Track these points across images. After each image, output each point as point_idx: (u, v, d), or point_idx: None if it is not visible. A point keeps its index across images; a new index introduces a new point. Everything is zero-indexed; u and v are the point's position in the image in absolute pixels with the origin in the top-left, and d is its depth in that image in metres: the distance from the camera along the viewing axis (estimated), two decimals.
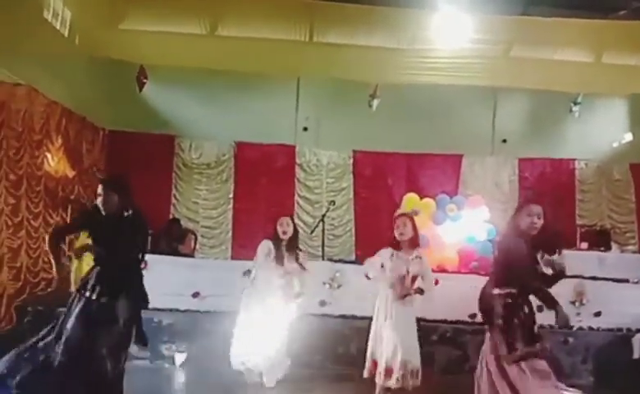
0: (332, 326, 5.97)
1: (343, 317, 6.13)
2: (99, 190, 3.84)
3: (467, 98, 9.19)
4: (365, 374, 4.74)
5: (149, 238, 4.29)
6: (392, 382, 4.53)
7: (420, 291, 4.66)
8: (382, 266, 4.75)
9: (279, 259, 5.08)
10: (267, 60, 8.77)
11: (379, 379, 4.61)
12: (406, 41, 7.98)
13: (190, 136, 9.69)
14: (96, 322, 3.66)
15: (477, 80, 8.52)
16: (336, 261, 7.08)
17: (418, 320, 5.90)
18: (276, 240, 5.15)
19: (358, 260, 6.70)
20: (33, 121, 6.93)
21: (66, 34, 7.39)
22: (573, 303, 6.29)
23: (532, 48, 8.28)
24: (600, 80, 8.83)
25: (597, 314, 6.28)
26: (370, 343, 4.78)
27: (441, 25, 7.33)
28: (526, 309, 3.53)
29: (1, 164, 6.28)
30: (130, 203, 3.90)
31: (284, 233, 5.15)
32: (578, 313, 6.28)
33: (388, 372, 4.55)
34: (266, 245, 5.15)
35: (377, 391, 4.73)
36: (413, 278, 4.67)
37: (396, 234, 4.72)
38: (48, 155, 7.27)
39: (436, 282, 6.20)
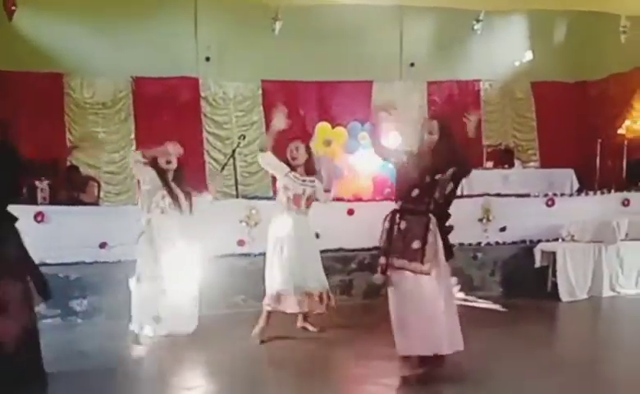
0: (253, 264, 5.83)
1: (263, 254, 6.00)
2: None
3: (373, 20, 9.04)
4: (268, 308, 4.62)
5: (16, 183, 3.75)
6: (293, 308, 4.55)
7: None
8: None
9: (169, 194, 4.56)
10: None
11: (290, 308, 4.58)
12: None
13: (81, 73, 8.84)
14: None
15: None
16: (250, 198, 6.87)
17: (338, 250, 6.03)
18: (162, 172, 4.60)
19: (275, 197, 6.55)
20: None
21: None
22: (480, 220, 6.58)
23: None
24: None
25: (503, 229, 6.61)
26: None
27: None
28: (403, 225, 3.65)
29: None
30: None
31: (167, 163, 4.60)
32: (485, 230, 6.59)
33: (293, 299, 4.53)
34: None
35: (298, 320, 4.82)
36: (309, 199, 4.69)
37: (289, 159, 4.68)
38: None
39: (352, 212, 6.32)
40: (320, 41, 8.99)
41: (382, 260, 3.72)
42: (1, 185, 3.49)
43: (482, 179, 7.44)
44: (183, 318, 4.56)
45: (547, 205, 6.72)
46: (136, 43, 8.58)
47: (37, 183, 7.21)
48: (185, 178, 4.72)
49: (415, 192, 3.65)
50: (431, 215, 3.59)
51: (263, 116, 9.39)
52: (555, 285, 6.04)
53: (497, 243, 6.59)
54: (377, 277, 3.74)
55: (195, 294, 4.67)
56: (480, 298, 6.08)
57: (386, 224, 3.75)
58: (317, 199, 4.76)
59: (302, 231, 4.62)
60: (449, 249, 3.70)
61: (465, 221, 6.59)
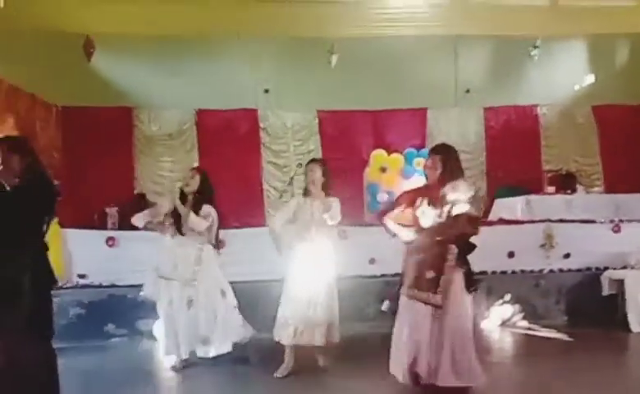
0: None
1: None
2: None
3: (427, 49, 9.07)
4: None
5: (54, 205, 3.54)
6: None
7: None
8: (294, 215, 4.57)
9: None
10: (220, 22, 8.44)
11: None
12: None
13: (148, 107, 9.34)
14: None
15: (435, 30, 8.41)
16: None
17: (395, 275, 6.02)
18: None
19: None
20: None
21: (2, 4, 6.94)
22: (542, 246, 6.41)
23: None
24: (557, 22, 8.83)
25: (567, 256, 6.42)
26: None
27: None
28: (421, 255, 3.60)
29: None
30: (31, 167, 3.35)
31: (186, 185, 4.75)
32: (548, 256, 6.41)
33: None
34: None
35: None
36: (319, 223, 4.45)
37: (307, 183, 4.58)
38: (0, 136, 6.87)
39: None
40: (375, 71, 9.11)
41: (397, 288, 3.70)
42: (29, 212, 3.25)
43: (543, 204, 7.28)
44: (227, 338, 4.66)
45: (614, 231, 6.50)
46: (200, 78, 8.97)
47: (107, 209, 7.67)
48: (201, 200, 4.72)
49: (429, 223, 3.63)
50: (451, 245, 3.51)
51: (320, 144, 9.58)
52: (624, 314, 5.78)
53: (561, 270, 6.40)
54: (386, 305, 3.87)
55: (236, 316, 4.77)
56: (544, 327, 5.89)
57: (406, 254, 3.74)
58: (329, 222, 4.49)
59: (311, 260, 4.43)
60: (470, 280, 3.59)
61: (526, 247, 6.48)
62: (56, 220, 4.39)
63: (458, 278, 3.53)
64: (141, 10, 8.39)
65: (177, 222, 4.70)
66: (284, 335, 4.39)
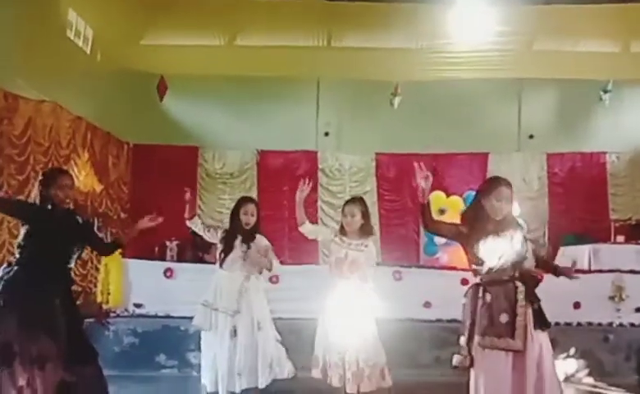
0: None
1: None
2: (61, 180, 3.63)
3: (491, 93, 9.04)
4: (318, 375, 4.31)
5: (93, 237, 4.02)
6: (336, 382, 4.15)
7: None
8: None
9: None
10: (286, 66, 8.80)
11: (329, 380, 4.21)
12: (425, 37, 7.89)
13: (213, 147, 9.73)
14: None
15: (500, 73, 8.39)
16: None
17: (451, 321, 5.82)
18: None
19: (383, 263, 6.58)
20: (59, 137, 7.05)
21: (89, 51, 7.55)
22: (612, 298, 6.07)
23: (556, 37, 8.10)
24: (628, 67, 8.58)
25: (638, 310, 6.03)
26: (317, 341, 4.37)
27: (460, 19, 7.20)
28: (488, 298, 3.29)
29: (29, 179, 6.36)
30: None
31: (246, 224, 4.73)
32: (618, 309, 6.06)
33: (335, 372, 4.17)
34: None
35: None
36: (352, 267, 4.24)
37: (344, 223, 4.36)
38: (76, 169, 7.38)
39: (466, 282, 6.11)
40: (437, 114, 9.13)
41: (462, 340, 3.34)
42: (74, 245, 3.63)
43: (612, 254, 6.92)
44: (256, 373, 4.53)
45: None
46: (263, 121, 9.31)
47: (167, 242, 7.94)
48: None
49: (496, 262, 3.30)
50: (518, 283, 3.28)
51: (376, 186, 9.61)
52: None
53: (632, 325, 6.00)
54: (458, 359, 3.34)
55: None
56: (612, 385, 5.50)
57: (468, 299, 3.40)
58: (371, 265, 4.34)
59: (344, 299, 4.24)
60: (541, 318, 3.30)
61: (593, 298, 6.16)
62: (119, 250, 4.59)
63: (530, 317, 3.27)
64: (212, 53, 8.93)
65: (226, 253, 4.71)
66: (314, 372, 4.28)
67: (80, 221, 3.73)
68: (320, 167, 9.80)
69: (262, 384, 4.53)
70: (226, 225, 4.97)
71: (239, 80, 9.20)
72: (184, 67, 8.97)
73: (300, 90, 9.58)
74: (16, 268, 3.46)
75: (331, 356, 4.21)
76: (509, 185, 3.47)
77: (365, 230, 4.35)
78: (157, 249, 7.79)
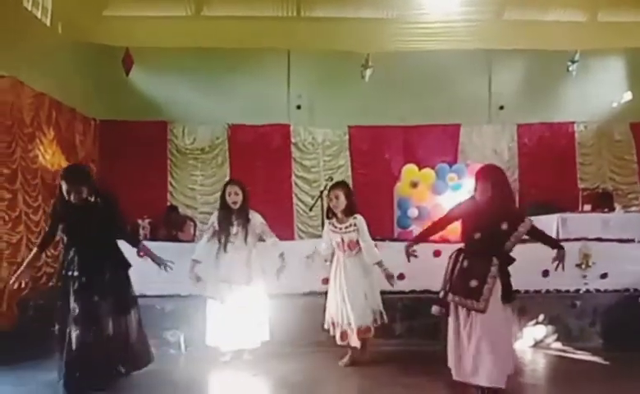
0: None
1: None
2: (65, 186, 4.20)
3: (461, 65, 9.05)
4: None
5: (121, 216, 4.60)
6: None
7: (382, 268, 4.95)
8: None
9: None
10: (255, 38, 8.63)
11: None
12: (396, 8, 7.82)
13: (183, 121, 9.55)
14: (81, 296, 4.17)
15: (470, 45, 8.40)
16: None
17: (423, 292, 5.92)
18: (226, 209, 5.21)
19: None
20: (22, 114, 6.79)
21: (48, 22, 7.25)
22: (579, 265, 6.21)
23: (525, 8, 8.13)
24: (596, 37, 8.70)
25: (604, 276, 6.19)
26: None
27: None
28: (465, 264, 3.92)
29: None
30: (95, 189, 4.33)
31: (234, 203, 5.16)
32: (585, 276, 6.20)
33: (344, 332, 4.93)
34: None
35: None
36: (350, 244, 4.96)
37: (331, 206, 5.01)
38: (42, 148, 7.15)
39: (439, 253, 6.21)
40: (408, 87, 9.13)
41: (442, 294, 4.02)
42: (107, 228, 4.36)
43: (579, 223, 7.08)
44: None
45: None
46: (233, 94, 9.17)
47: (139, 221, 7.81)
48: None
49: (477, 235, 3.92)
50: (494, 257, 3.83)
51: (350, 159, 9.60)
52: None
53: (598, 290, 6.16)
54: (435, 309, 4.05)
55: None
56: (579, 349, 5.68)
57: (450, 262, 4.04)
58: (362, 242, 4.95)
59: (349, 271, 4.96)
60: (509, 292, 3.88)
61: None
62: None
63: (497, 289, 3.82)
64: (179, 24, 8.70)
65: (225, 236, 5.14)
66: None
67: (104, 208, 4.34)
68: (293, 140, 9.73)
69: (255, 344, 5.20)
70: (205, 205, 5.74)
71: (207, 52, 9.00)
72: (150, 39, 8.72)
73: (271, 62, 9.43)
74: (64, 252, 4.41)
75: (333, 319, 4.99)
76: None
77: (350, 210, 4.96)
78: (129, 228, 7.66)
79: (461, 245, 4.10)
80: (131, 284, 4.63)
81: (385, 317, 5.08)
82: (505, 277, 3.87)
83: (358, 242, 4.96)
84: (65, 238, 4.38)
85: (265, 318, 5.28)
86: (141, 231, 7.58)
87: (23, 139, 6.77)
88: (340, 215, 4.98)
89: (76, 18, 7.80)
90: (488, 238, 3.87)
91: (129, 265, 4.58)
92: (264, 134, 9.58)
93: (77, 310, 4.18)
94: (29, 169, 6.86)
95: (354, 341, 4.92)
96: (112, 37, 8.58)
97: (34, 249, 4.52)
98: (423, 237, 4.52)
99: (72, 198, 4.22)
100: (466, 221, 4.07)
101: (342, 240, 4.97)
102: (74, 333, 4.14)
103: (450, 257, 4.07)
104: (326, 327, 5.10)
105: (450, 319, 4.02)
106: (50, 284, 6.74)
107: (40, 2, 6.98)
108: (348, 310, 4.90)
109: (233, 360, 5.19)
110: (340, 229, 4.98)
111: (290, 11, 8.76)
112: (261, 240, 5.30)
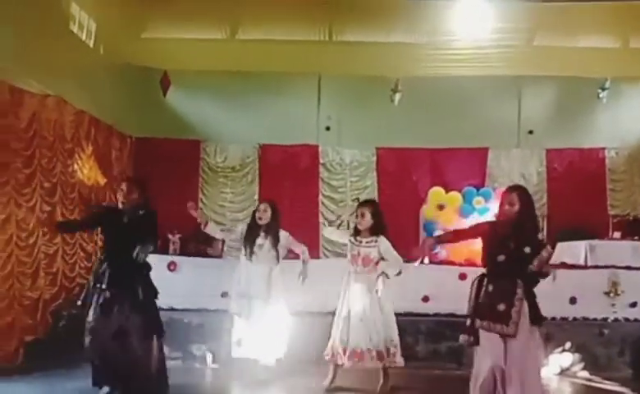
0: None
1: None
2: (123, 185, 4.37)
3: (491, 90, 9.07)
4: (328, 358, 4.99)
5: (156, 235, 4.69)
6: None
7: (385, 275, 4.85)
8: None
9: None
10: (288, 61, 8.84)
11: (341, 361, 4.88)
12: (426, 34, 7.92)
13: (215, 140, 9.78)
14: (108, 310, 4.22)
15: (500, 70, 8.42)
16: None
17: (448, 315, 5.92)
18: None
19: None
20: (63, 131, 7.08)
21: (92, 44, 7.59)
22: (607, 293, 6.17)
23: (556, 34, 8.13)
24: (627, 64, 8.62)
25: (633, 305, 6.13)
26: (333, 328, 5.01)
27: (461, 16, 7.25)
28: (490, 288, 3.80)
29: (35, 173, 6.43)
30: (146, 202, 4.44)
31: (259, 218, 5.34)
32: (613, 304, 6.15)
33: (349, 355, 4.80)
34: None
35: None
36: (365, 260, 4.89)
37: (356, 222, 5.02)
38: (80, 163, 7.43)
39: (464, 276, 6.22)
40: (437, 110, 9.17)
41: (468, 322, 3.86)
42: (143, 237, 4.35)
43: (608, 250, 7.01)
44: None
45: None
46: (264, 114, 9.37)
47: (170, 236, 8.02)
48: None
49: (501, 257, 3.80)
50: (519, 280, 3.72)
51: (376, 181, 9.69)
52: None
53: (627, 319, 6.10)
54: (463, 338, 3.88)
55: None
56: (606, 379, 5.61)
57: (474, 288, 3.93)
58: (383, 259, 4.91)
59: (358, 290, 4.88)
60: (537, 314, 3.75)
61: (589, 293, 6.25)
62: None
63: (525, 312, 3.71)
64: (214, 47, 8.97)
65: (251, 246, 5.29)
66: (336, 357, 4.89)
67: (140, 219, 4.40)
68: (321, 161, 9.85)
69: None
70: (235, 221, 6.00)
71: (240, 74, 9.24)
72: (185, 61, 9.01)
73: (302, 84, 9.62)
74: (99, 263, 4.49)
75: (335, 340, 4.88)
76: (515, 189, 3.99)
77: (376, 228, 4.93)
78: (159, 242, 7.88)
79: (483, 270, 4.01)
80: (158, 310, 4.59)
81: (398, 347, 4.92)
82: (532, 298, 3.77)
83: (373, 260, 4.89)
84: (100, 251, 4.52)
85: (282, 336, 5.32)
86: (171, 246, 7.77)
87: (63, 155, 7.04)
88: (364, 232, 4.95)
89: (117, 40, 8.14)
90: (513, 260, 3.76)
91: (157, 292, 4.56)
92: (293, 154, 9.75)
93: (96, 323, 4.24)
94: (68, 183, 7.11)
95: (346, 362, 4.82)
96: (150, 58, 8.91)
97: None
98: (444, 239, 4.59)
99: (122, 198, 4.37)
100: (489, 243, 3.96)
101: (358, 254, 4.91)
102: (91, 343, 4.26)
103: (473, 283, 3.98)
104: (325, 353, 5.01)
105: (481, 348, 3.83)
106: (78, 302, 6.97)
107: (85, 24, 7.33)
108: (348, 330, 4.83)
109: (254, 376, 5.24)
110: (360, 243, 4.94)
111: (322, 35, 8.95)
112: (291, 252, 5.45)
